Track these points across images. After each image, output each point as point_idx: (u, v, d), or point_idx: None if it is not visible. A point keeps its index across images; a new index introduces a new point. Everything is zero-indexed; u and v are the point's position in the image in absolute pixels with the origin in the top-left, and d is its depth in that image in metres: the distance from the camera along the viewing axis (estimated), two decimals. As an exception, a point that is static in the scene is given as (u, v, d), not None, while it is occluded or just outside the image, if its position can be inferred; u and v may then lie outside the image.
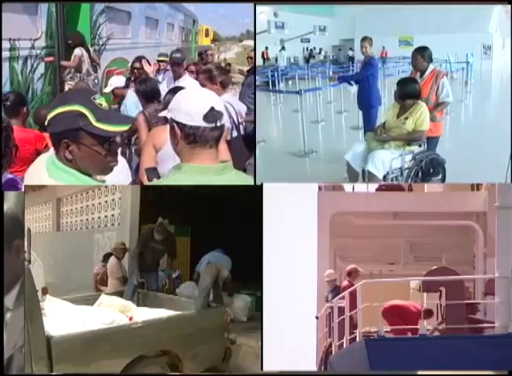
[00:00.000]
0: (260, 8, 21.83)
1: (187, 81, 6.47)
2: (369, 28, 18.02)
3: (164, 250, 5.86)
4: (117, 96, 6.65)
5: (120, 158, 3.13)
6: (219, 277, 5.33)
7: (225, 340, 4.47)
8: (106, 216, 7.86)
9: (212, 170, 2.22)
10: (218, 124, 2.18)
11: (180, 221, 6.93)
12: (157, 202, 8.06)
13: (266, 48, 22.17)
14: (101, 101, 2.19)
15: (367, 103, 6.85)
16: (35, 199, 9.94)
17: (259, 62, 21.76)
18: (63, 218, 9.32)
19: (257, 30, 10.25)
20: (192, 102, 2.20)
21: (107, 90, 6.84)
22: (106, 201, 7.86)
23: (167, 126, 3.90)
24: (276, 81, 17.18)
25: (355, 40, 21.79)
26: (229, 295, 5.84)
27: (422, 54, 5.35)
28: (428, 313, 4.05)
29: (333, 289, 4.87)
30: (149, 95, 5.49)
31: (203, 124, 2.16)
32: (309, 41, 23.85)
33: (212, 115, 2.16)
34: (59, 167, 2.18)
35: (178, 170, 2.26)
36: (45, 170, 2.21)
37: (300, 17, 19.10)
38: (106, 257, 6.30)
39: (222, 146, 2.30)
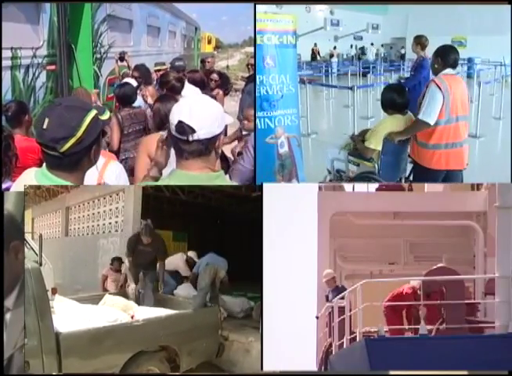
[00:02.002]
0: (318, 6, 22.00)
1: (187, 89, 6.17)
2: (422, 27, 17.91)
3: (153, 252, 5.69)
4: None
5: (117, 163, 3.14)
6: (216, 278, 5.41)
7: (218, 336, 4.74)
8: (110, 223, 8.29)
9: (203, 178, 2.22)
10: (190, 139, 2.14)
11: (178, 227, 7.12)
12: (157, 210, 8.28)
13: (315, 44, 22.26)
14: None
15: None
16: (46, 208, 10.90)
17: (308, 58, 21.83)
18: (71, 224, 9.89)
19: (313, 27, 10.28)
20: (173, 112, 2.21)
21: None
22: (110, 209, 8.30)
23: (159, 133, 3.92)
24: (330, 76, 17.29)
25: (406, 38, 21.73)
26: (225, 294, 5.98)
27: (436, 55, 4.34)
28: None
29: (334, 289, 4.86)
30: (123, 99, 5.60)
31: (176, 135, 2.18)
32: (362, 39, 24.00)
33: (180, 128, 2.14)
34: (52, 180, 2.19)
35: (170, 176, 2.29)
36: (35, 182, 2.23)
37: (354, 15, 19.32)
38: (114, 260, 6.46)
39: (213, 157, 2.27)
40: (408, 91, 4.99)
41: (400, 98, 4.44)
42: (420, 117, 4.12)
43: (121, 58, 9.07)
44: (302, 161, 5.46)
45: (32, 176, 2.26)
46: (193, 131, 2.13)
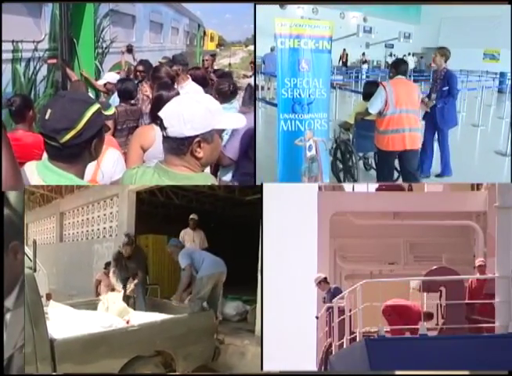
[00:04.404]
0: (352, 13, 22.08)
1: (190, 86, 6.11)
2: (453, 38, 17.60)
3: (136, 267, 5.67)
4: (108, 90, 6.93)
5: (114, 151, 3.13)
6: (219, 282, 5.31)
7: (214, 340, 4.67)
8: (104, 228, 8.24)
9: (182, 178, 2.25)
10: (164, 134, 2.21)
11: (172, 232, 7.10)
12: (151, 215, 8.25)
13: (344, 50, 22.38)
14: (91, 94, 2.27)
15: (448, 121, 6.37)
16: (40, 213, 10.80)
17: (337, 63, 21.92)
18: (66, 230, 9.84)
19: (346, 33, 10.22)
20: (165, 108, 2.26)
21: (101, 82, 7.23)
22: (104, 214, 8.25)
23: (153, 125, 3.88)
24: (359, 82, 17.27)
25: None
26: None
27: (391, 66, 5.63)
28: (428, 316, 4.05)
29: (328, 291, 4.86)
30: (122, 94, 5.58)
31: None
32: (393, 47, 24.12)
33: (160, 122, 2.22)
34: (54, 171, 2.19)
35: (154, 168, 2.32)
36: (37, 176, 2.21)
37: (386, 23, 19.50)
38: (107, 265, 6.44)
39: (192, 159, 2.27)
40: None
41: (374, 90, 5.36)
42: (370, 109, 5.29)
43: (129, 50, 9.04)
44: (328, 166, 5.52)
45: (34, 168, 2.25)
46: (164, 128, 2.20)
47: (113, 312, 4.60)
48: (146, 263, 5.97)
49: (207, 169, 2.84)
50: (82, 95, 2.37)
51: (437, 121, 6.23)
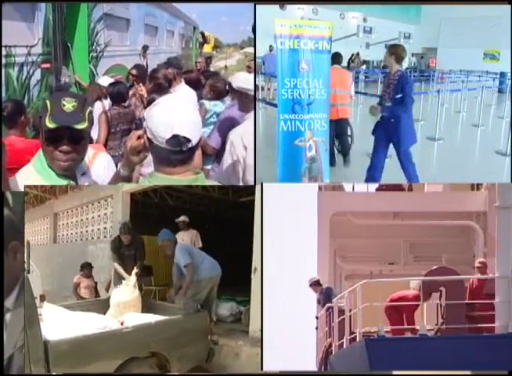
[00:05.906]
0: (352, 13, 22.37)
1: (182, 89, 5.95)
2: (453, 38, 17.41)
3: (134, 254, 5.69)
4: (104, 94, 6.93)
5: (105, 155, 3.10)
6: (215, 285, 5.31)
7: (208, 341, 4.66)
8: (98, 229, 8.26)
9: (183, 181, 2.20)
10: (184, 148, 2.09)
11: None
12: (145, 216, 8.23)
13: (357, 53, 22.38)
14: (67, 103, 2.33)
15: (407, 139, 5.12)
16: (34, 214, 10.72)
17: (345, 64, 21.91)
18: (60, 231, 9.84)
19: (346, 34, 10.37)
20: (160, 122, 2.10)
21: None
22: (98, 215, 8.26)
23: None
24: (358, 82, 17.31)
25: (438, 49, 21.76)
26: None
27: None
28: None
29: (321, 292, 4.86)
30: (115, 97, 5.58)
31: (166, 146, 2.09)
32: None
33: (175, 141, 2.08)
34: (42, 162, 2.38)
35: (149, 179, 2.28)
36: (31, 165, 2.38)
37: (386, 23, 19.68)
38: (83, 266, 6.43)
39: (196, 159, 2.23)
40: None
41: None
42: None
43: (145, 50, 9.11)
44: (328, 166, 5.53)
45: (30, 167, 2.40)
46: (189, 140, 2.09)
47: (127, 298, 4.73)
48: (144, 248, 5.93)
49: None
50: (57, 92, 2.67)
51: (392, 139, 5.11)
